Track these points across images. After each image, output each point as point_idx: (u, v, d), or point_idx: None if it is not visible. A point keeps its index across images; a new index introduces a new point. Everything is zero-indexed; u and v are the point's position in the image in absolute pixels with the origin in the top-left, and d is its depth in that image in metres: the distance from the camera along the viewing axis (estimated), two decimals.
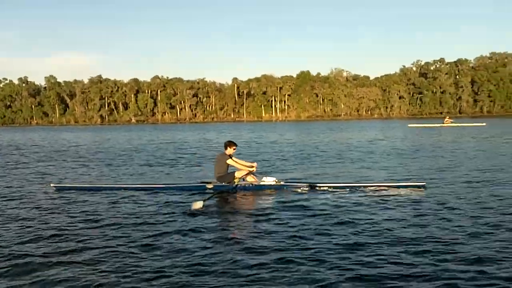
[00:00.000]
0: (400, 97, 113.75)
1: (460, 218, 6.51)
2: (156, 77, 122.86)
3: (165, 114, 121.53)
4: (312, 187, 9.09)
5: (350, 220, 6.47)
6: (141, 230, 6.16)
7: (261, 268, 4.59)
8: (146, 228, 6.30)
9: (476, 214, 6.74)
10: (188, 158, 17.31)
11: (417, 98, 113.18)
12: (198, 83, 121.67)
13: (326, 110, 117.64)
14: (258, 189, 9.03)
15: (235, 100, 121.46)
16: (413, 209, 7.12)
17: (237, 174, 9.11)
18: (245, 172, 9.15)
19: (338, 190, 8.87)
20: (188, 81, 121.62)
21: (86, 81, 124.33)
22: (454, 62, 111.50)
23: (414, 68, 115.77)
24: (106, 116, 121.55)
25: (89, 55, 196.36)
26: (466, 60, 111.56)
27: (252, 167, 9.27)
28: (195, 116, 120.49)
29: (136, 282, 4.33)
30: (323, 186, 9.11)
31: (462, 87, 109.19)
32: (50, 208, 7.80)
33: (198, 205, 7.43)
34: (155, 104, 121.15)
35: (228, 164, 9.25)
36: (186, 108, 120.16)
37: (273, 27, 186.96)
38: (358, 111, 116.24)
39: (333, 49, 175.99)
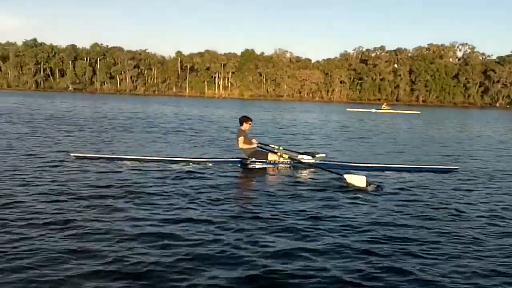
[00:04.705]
0: (341, 82, 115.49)
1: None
2: (96, 44, 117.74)
3: (104, 84, 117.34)
4: (348, 167, 8.97)
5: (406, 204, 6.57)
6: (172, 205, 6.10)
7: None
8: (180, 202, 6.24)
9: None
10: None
11: (357, 83, 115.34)
12: (140, 54, 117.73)
13: (269, 90, 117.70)
14: (297, 167, 8.97)
15: (178, 74, 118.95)
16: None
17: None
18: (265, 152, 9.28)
19: (372, 172, 8.89)
20: (129, 51, 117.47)
21: (19, 43, 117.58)
22: (394, 50, 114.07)
23: (355, 54, 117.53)
24: (42, 82, 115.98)
25: (19, 17, 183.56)
26: (405, 49, 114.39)
27: (254, 143, 9.37)
28: (136, 88, 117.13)
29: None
30: (359, 168, 9.06)
31: (400, 75, 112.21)
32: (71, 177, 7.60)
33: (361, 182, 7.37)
34: (94, 72, 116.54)
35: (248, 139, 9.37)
36: (127, 79, 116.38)
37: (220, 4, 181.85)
38: (300, 93, 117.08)
39: (277, 29, 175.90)
